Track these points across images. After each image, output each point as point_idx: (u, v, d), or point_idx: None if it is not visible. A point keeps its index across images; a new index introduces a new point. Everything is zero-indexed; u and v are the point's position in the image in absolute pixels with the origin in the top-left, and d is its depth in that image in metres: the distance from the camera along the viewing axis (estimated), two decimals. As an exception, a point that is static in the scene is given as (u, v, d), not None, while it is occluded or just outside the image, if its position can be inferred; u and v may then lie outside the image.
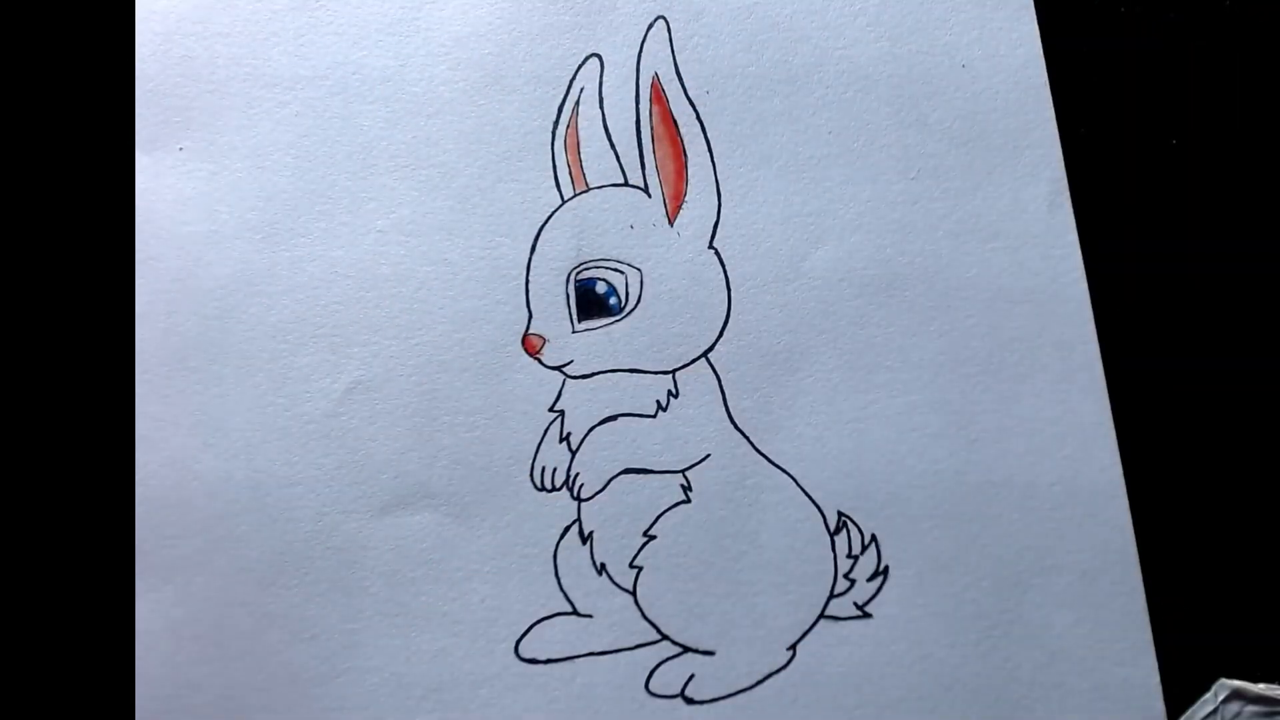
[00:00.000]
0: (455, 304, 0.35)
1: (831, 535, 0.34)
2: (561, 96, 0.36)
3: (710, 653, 0.34)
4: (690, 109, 0.36)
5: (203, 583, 0.34)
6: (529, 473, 0.34)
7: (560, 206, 0.35)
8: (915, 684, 0.33)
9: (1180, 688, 0.33)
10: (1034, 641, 0.33)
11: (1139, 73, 0.36)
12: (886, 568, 0.34)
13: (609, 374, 0.35)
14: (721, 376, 0.35)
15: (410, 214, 0.35)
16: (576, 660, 0.34)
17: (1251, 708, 0.33)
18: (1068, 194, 0.35)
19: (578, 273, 0.35)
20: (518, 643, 0.34)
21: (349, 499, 0.34)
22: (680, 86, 0.36)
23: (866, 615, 0.34)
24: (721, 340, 0.35)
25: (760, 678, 0.33)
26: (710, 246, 0.35)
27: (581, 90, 0.36)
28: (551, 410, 0.34)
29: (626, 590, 0.34)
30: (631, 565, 0.34)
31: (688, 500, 0.34)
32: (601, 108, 0.35)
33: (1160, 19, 0.37)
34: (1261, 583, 0.34)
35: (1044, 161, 0.35)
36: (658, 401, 0.34)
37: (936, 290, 0.35)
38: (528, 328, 0.35)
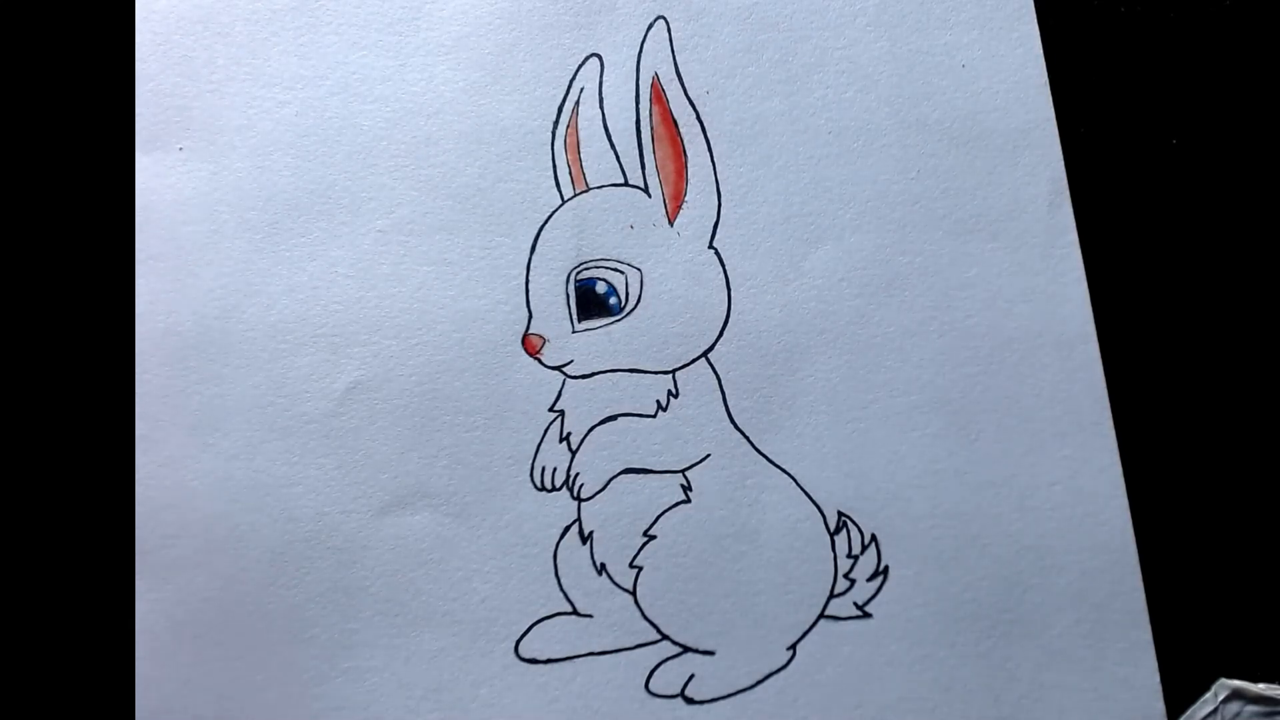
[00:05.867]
0: (455, 304, 0.35)
1: (831, 535, 0.34)
2: (561, 96, 0.36)
3: (710, 653, 0.34)
4: (690, 109, 0.36)
5: (203, 583, 0.34)
6: (529, 473, 0.34)
7: (560, 206, 0.35)
8: (915, 684, 0.33)
9: (1180, 688, 0.33)
10: (1034, 641, 0.33)
11: (1139, 73, 0.36)
12: (886, 568, 0.34)
13: (609, 374, 0.35)
14: (721, 376, 0.35)
15: (410, 214, 0.35)
16: (576, 660, 0.34)
17: (1251, 708, 0.33)
18: (1068, 194, 0.35)
19: (578, 273, 0.35)
20: (518, 643, 0.34)
21: (349, 499, 0.34)
22: (680, 86, 0.36)
23: (866, 615, 0.34)
24: (721, 340, 0.35)
25: (760, 678, 0.33)
26: (710, 246, 0.35)
27: (581, 90, 0.36)
28: (551, 410, 0.34)
29: (626, 590, 0.34)
30: (631, 565, 0.34)
31: (688, 500, 0.34)
32: (601, 108, 0.35)
33: (1160, 19, 0.37)
34: (1261, 583, 0.34)
35: (1044, 161, 0.35)
36: (658, 401, 0.34)
37: (936, 290, 0.35)
38: (528, 328, 0.35)
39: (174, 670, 0.34)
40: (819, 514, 0.34)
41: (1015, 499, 0.34)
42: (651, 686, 0.33)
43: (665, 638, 0.34)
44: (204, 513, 0.34)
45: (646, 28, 0.36)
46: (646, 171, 0.35)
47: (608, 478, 0.34)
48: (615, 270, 0.35)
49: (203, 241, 0.35)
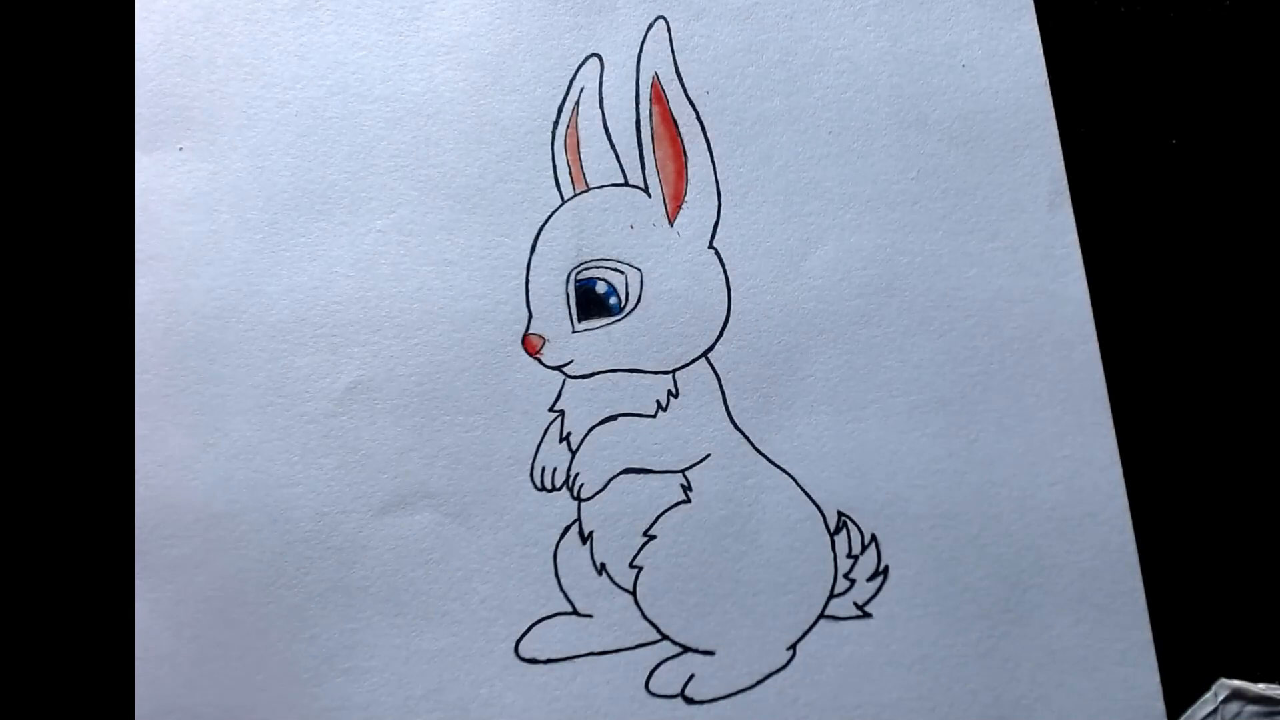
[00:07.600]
0: (455, 304, 0.35)
1: (831, 535, 0.34)
2: (561, 96, 0.36)
3: (710, 653, 0.34)
4: (690, 109, 0.36)
5: (203, 583, 0.34)
6: (529, 473, 0.34)
7: (560, 206, 0.35)
8: (915, 684, 0.33)
9: (1180, 688, 0.33)
10: (1034, 641, 0.33)
11: (1139, 73, 0.36)
12: (886, 568, 0.34)
13: (609, 374, 0.35)
14: (721, 376, 0.35)
15: (410, 214, 0.35)
16: (576, 660, 0.34)
17: (1251, 708, 0.33)
18: (1068, 194, 0.35)
19: (578, 273, 0.35)
20: (518, 643, 0.34)
21: (349, 499, 0.34)
22: (680, 86, 0.36)
23: (866, 615, 0.34)
24: (721, 340, 0.35)
25: (760, 678, 0.33)
26: (710, 246, 0.35)
27: (581, 90, 0.36)
28: (551, 410, 0.34)
29: (626, 590, 0.34)
30: (631, 565, 0.34)
31: (688, 500, 0.34)
32: (601, 108, 0.35)
33: (1160, 19, 0.37)
34: (1261, 583, 0.34)
35: (1044, 161, 0.35)
36: (658, 401, 0.34)
37: (936, 290, 0.35)
38: (528, 328, 0.35)
39: (174, 670, 0.34)
40: (819, 514, 0.34)
41: (1015, 499, 0.34)
42: (651, 686, 0.33)
43: (665, 638, 0.34)
44: (204, 513, 0.34)
45: (646, 28, 0.36)
46: (646, 171, 0.35)
47: (608, 478, 0.34)
48: (615, 270, 0.35)
49: (203, 241, 0.35)
